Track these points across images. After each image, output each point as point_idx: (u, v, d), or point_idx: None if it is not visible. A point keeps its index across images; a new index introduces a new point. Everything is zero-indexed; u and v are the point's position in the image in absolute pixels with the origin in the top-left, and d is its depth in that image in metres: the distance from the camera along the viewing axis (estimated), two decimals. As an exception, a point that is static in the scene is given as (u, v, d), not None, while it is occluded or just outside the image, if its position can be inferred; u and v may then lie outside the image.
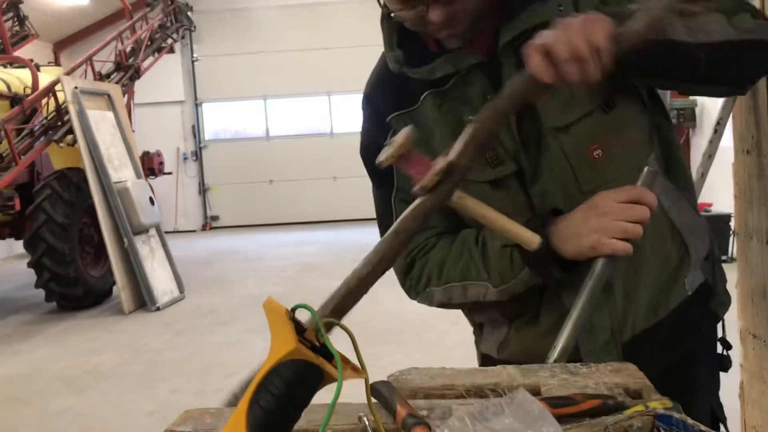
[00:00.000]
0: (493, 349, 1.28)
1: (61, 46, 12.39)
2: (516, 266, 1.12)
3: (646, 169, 1.05)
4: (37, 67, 7.22)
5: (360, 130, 1.32)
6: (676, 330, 1.19)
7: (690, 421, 0.81)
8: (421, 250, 1.25)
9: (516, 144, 1.13)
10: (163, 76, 11.54)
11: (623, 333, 1.16)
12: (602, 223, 1.03)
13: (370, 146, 1.23)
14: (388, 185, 1.23)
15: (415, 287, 1.29)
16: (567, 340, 1.07)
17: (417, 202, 0.97)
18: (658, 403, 0.85)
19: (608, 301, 1.14)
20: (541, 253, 1.05)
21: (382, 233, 1.19)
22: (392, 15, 1.13)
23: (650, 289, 1.17)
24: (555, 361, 1.07)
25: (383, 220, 1.27)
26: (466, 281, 1.19)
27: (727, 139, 2.13)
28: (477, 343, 1.38)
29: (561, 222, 1.09)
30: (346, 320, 0.73)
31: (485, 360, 1.32)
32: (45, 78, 7.09)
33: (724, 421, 1.27)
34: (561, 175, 1.13)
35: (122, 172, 6.75)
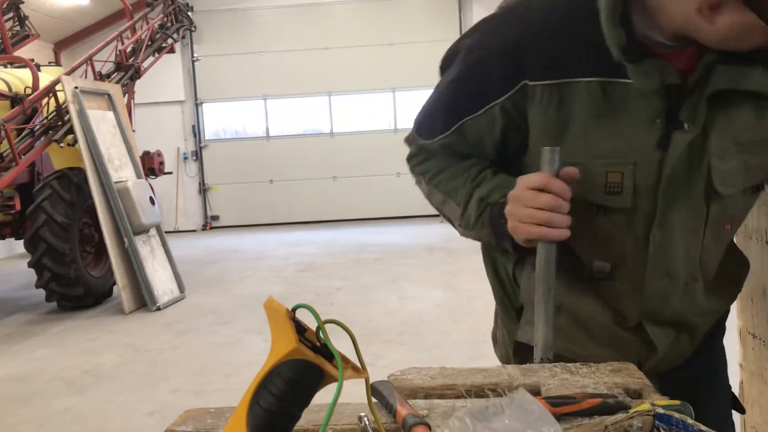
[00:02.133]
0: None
1: (61, 46, 12.39)
2: (481, 221, 1.16)
3: (545, 149, 1.04)
4: (38, 67, 7.22)
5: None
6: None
7: (690, 420, 0.81)
8: (432, 146, 1.23)
9: (654, 184, 1.07)
10: (164, 75, 11.54)
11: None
12: (515, 210, 1.06)
13: (482, 63, 1.12)
14: (470, 107, 1.14)
15: (413, 167, 1.32)
16: (544, 336, 1.08)
17: None
18: (664, 402, 0.85)
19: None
20: (503, 226, 1.10)
21: (422, 130, 1.23)
22: None
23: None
24: (542, 360, 1.08)
25: (431, 118, 1.21)
26: (448, 198, 1.23)
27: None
28: (510, 330, 1.35)
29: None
30: (346, 320, 0.73)
31: (520, 348, 1.29)
32: (45, 78, 7.09)
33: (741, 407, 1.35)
34: (694, 236, 1.11)
35: (123, 171, 6.75)
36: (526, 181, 1.04)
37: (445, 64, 1.23)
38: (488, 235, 1.17)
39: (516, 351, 1.30)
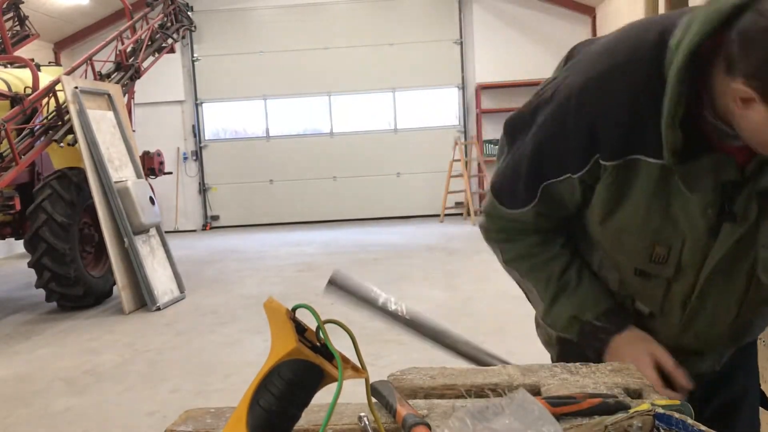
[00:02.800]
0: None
1: (61, 45, 12.39)
2: (570, 333, 1.27)
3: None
4: (38, 67, 7.21)
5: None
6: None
7: (690, 420, 0.81)
8: (519, 226, 1.27)
9: (699, 264, 1.15)
10: (164, 75, 11.54)
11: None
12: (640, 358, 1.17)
13: (556, 140, 1.16)
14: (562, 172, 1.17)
15: (489, 236, 1.35)
16: None
17: None
18: (664, 402, 0.85)
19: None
20: (595, 340, 1.23)
21: (502, 195, 1.26)
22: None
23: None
24: None
25: (512, 191, 1.25)
26: (528, 284, 1.31)
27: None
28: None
29: (624, 341, 1.21)
30: (346, 320, 0.73)
31: (563, 339, 1.36)
32: (45, 78, 7.08)
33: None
34: (727, 312, 1.20)
35: (122, 171, 6.75)
36: (665, 359, 1.19)
37: (516, 130, 1.26)
38: (570, 337, 1.29)
39: (559, 339, 1.39)
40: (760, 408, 1.44)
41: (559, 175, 1.16)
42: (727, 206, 1.08)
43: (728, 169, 1.05)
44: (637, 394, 0.94)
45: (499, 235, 1.31)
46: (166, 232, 7.54)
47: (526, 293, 1.36)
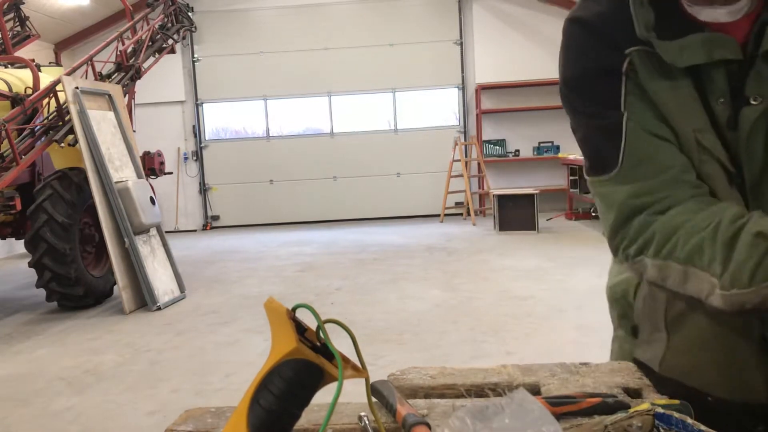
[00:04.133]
0: (653, 362, 1.13)
1: (62, 46, 12.39)
2: (763, 270, 0.82)
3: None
4: (38, 68, 7.22)
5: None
6: None
7: (690, 420, 0.81)
8: (655, 202, 0.98)
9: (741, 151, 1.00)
10: (164, 76, 11.55)
11: None
12: None
13: (589, 69, 1.06)
14: (613, 111, 1.03)
15: (625, 249, 1.01)
16: None
17: None
18: (664, 402, 0.85)
19: None
20: None
21: (593, 166, 1.06)
22: None
23: None
24: None
25: (597, 155, 1.07)
26: (690, 265, 0.90)
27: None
28: (629, 347, 1.21)
29: None
30: (346, 320, 0.73)
31: (639, 364, 1.13)
32: (46, 78, 7.09)
33: None
34: None
35: (123, 171, 6.76)
36: None
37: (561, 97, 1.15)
38: (760, 297, 0.83)
39: (636, 364, 1.13)
40: None
41: (612, 85, 1.03)
42: (742, 89, 0.97)
43: (725, 46, 0.96)
44: (636, 394, 0.94)
45: (632, 228, 1.00)
46: (167, 232, 7.55)
47: (696, 295, 0.92)
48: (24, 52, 8.19)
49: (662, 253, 0.93)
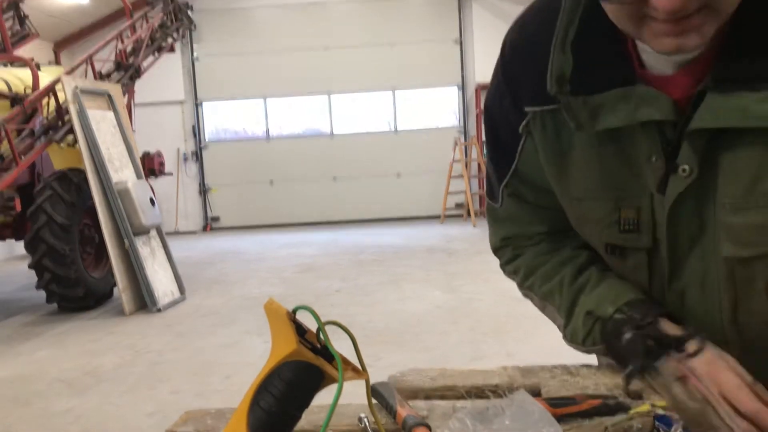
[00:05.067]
0: None
1: (61, 45, 12.39)
2: (592, 338, 0.97)
3: None
4: (38, 67, 7.22)
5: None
6: None
7: (690, 421, 0.80)
8: (520, 239, 1.11)
9: (664, 220, 0.89)
10: (164, 75, 11.55)
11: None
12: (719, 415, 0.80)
13: (495, 115, 1.04)
14: (503, 164, 1.03)
15: (502, 265, 1.17)
16: None
17: None
18: (664, 403, 0.85)
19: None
20: (627, 348, 0.89)
21: (488, 193, 1.13)
22: None
23: None
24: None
25: (490, 187, 1.12)
26: (546, 302, 1.08)
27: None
28: None
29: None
30: (346, 322, 0.73)
31: None
32: (45, 77, 7.08)
33: None
34: (710, 295, 0.91)
35: (123, 172, 6.75)
36: (743, 395, 0.78)
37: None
38: (598, 351, 0.98)
39: None
40: None
41: (516, 142, 0.99)
42: (667, 154, 0.85)
43: (655, 104, 0.82)
44: (637, 396, 0.94)
45: (506, 253, 1.13)
46: (167, 233, 7.55)
47: (555, 321, 1.09)
48: (23, 51, 8.18)
49: (525, 285, 1.11)
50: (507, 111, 0.99)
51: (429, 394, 0.98)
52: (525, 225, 1.09)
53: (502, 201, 1.07)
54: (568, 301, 1.01)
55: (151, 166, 8.51)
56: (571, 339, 1.01)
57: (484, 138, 1.17)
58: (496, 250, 1.16)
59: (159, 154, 8.74)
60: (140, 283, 6.32)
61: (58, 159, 7.16)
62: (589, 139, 0.90)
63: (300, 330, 0.69)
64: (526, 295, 1.14)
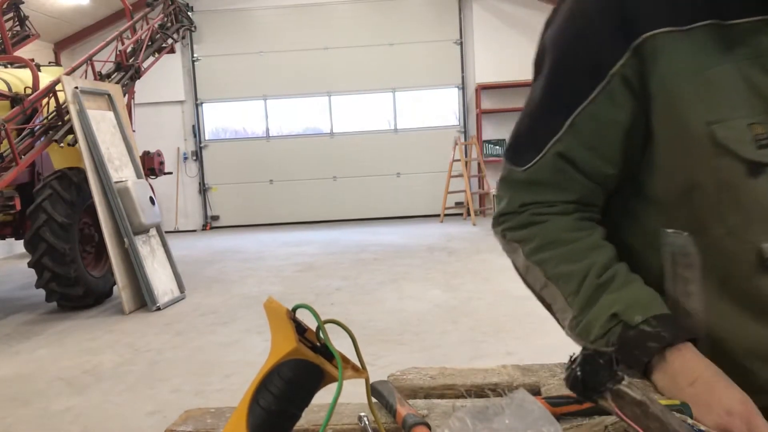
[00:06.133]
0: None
1: (61, 46, 12.39)
2: (607, 339, 0.91)
3: None
4: (38, 67, 7.22)
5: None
6: None
7: (690, 421, 0.81)
8: (543, 206, 0.99)
9: None
10: (164, 76, 11.55)
11: None
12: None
13: (570, 55, 0.93)
14: (560, 115, 0.94)
15: (506, 230, 1.03)
16: None
17: None
18: (664, 402, 0.85)
19: None
20: (640, 349, 0.88)
21: (510, 156, 1.01)
22: None
23: None
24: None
25: (515, 149, 1.01)
26: (553, 284, 0.97)
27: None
28: None
29: (685, 361, 0.86)
30: (346, 320, 0.73)
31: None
32: (45, 78, 7.08)
33: None
34: None
35: (123, 171, 6.75)
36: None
37: (536, 71, 1.02)
38: (605, 347, 0.92)
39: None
40: None
41: (592, 87, 0.90)
42: None
43: None
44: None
45: (520, 217, 1.00)
46: (167, 232, 7.55)
47: (547, 303, 1.02)
48: (23, 52, 8.19)
49: (534, 258, 0.98)
50: (597, 47, 0.90)
51: (429, 393, 0.98)
52: (555, 191, 0.98)
53: (539, 161, 0.96)
54: (588, 293, 0.93)
55: (151, 166, 8.52)
56: (579, 332, 0.95)
57: (541, 82, 0.99)
58: (504, 215, 1.03)
59: (159, 154, 8.74)
60: (140, 282, 6.33)
61: (58, 158, 7.16)
62: (717, 46, 0.86)
63: (300, 329, 0.69)
64: (525, 268, 1.01)
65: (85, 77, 7.33)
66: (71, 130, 6.52)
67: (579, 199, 0.98)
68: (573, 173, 0.96)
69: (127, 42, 8.18)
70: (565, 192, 0.97)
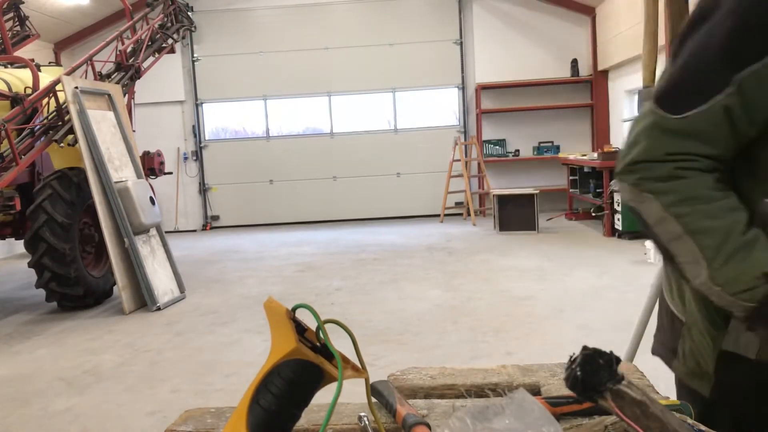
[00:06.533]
0: (748, 349, 1.09)
1: (61, 46, 12.39)
2: (750, 294, 0.95)
3: None
4: (38, 67, 7.22)
5: None
6: None
7: (690, 420, 0.81)
8: (689, 159, 0.97)
9: None
10: (164, 76, 11.55)
11: None
12: None
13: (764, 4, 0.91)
14: (734, 64, 0.93)
15: (640, 179, 1.01)
16: None
17: None
18: (664, 402, 0.85)
19: None
20: None
21: (666, 102, 0.98)
22: None
23: None
24: None
25: (674, 95, 0.99)
26: (689, 236, 0.97)
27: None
28: (714, 337, 1.14)
29: None
30: (346, 320, 0.73)
31: (727, 357, 1.12)
32: (46, 78, 7.09)
33: None
34: None
35: (123, 171, 6.75)
36: None
37: (692, 25, 0.99)
38: (740, 308, 0.97)
39: (721, 359, 1.12)
40: None
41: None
42: None
43: None
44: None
45: (663, 169, 0.98)
46: (167, 232, 7.55)
47: (670, 255, 1.01)
48: (23, 52, 8.19)
49: (673, 210, 0.98)
50: None
51: (429, 393, 0.98)
52: (704, 144, 0.97)
53: (703, 111, 0.94)
54: (733, 247, 0.94)
55: (151, 166, 8.52)
56: (724, 284, 0.95)
57: (717, 31, 0.96)
58: (641, 162, 1.00)
59: (159, 154, 8.75)
60: (140, 282, 6.33)
61: (58, 158, 7.16)
62: None
63: (300, 328, 0.69)
64: (660, 219, 1.00)
65: (85, 77, 7.33)
66: (71, 130, 6.52)
67: (719, 155, 0.98)
68: (727, 129, 0.96)
69: (127, 42, 8.18)
70: (711, 146, 0.97)
